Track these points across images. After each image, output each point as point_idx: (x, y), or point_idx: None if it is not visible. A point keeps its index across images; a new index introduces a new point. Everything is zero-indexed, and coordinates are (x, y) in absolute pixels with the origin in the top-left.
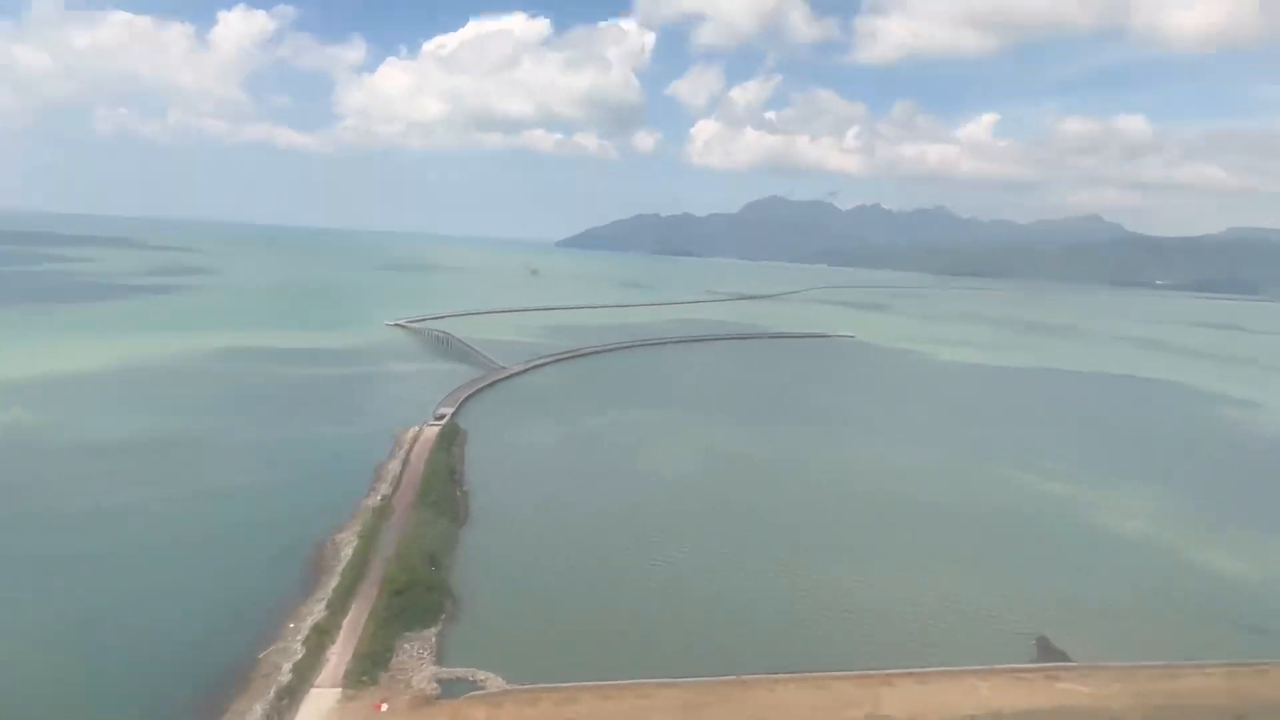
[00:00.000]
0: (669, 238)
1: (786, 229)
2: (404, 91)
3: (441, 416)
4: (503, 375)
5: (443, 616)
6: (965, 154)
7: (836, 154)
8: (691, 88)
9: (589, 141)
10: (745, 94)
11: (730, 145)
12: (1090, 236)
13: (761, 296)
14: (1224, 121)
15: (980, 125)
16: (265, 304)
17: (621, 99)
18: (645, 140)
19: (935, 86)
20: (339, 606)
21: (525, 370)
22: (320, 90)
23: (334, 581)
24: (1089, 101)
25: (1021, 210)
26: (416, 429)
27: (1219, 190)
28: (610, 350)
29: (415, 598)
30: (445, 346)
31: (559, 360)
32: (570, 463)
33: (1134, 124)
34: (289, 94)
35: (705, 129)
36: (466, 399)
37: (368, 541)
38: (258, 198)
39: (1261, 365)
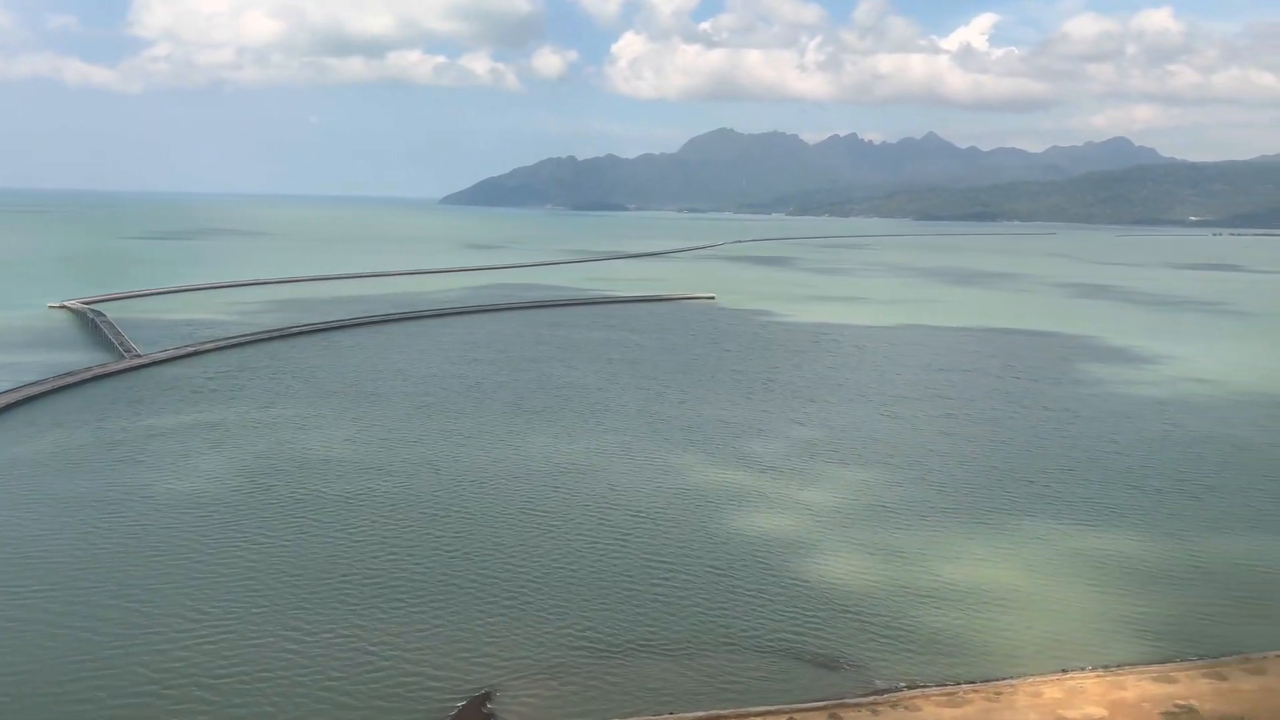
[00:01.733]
0: (589, 188)
1: (739, 170)
2: (226, 7)
3: None
4: (122, 367)
5: None
6: (957, 67)
7: (795, 74)
8: None
9: (479, 65)
10: None
11: (662, 65)
12: (1116, 165)
13: (646, 255)
14: (1268, 11)
15: (973, 29)
16: None
17: (509, 7)
18: (551, 61)
19: None
20: None
21: (168, 360)
22: (112, 5)
23: None
24: None
25: (1034, 136)
26: None
27: (1274, 101)
28: (331, 329)
29: None
30: (92, 330)
31: (243, 343)
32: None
33: (1158, 20)
34: (74, 12)
35: (630, 45)
36: (34, 398)
37: None
38: (47, 155)
39: (1216, 310)
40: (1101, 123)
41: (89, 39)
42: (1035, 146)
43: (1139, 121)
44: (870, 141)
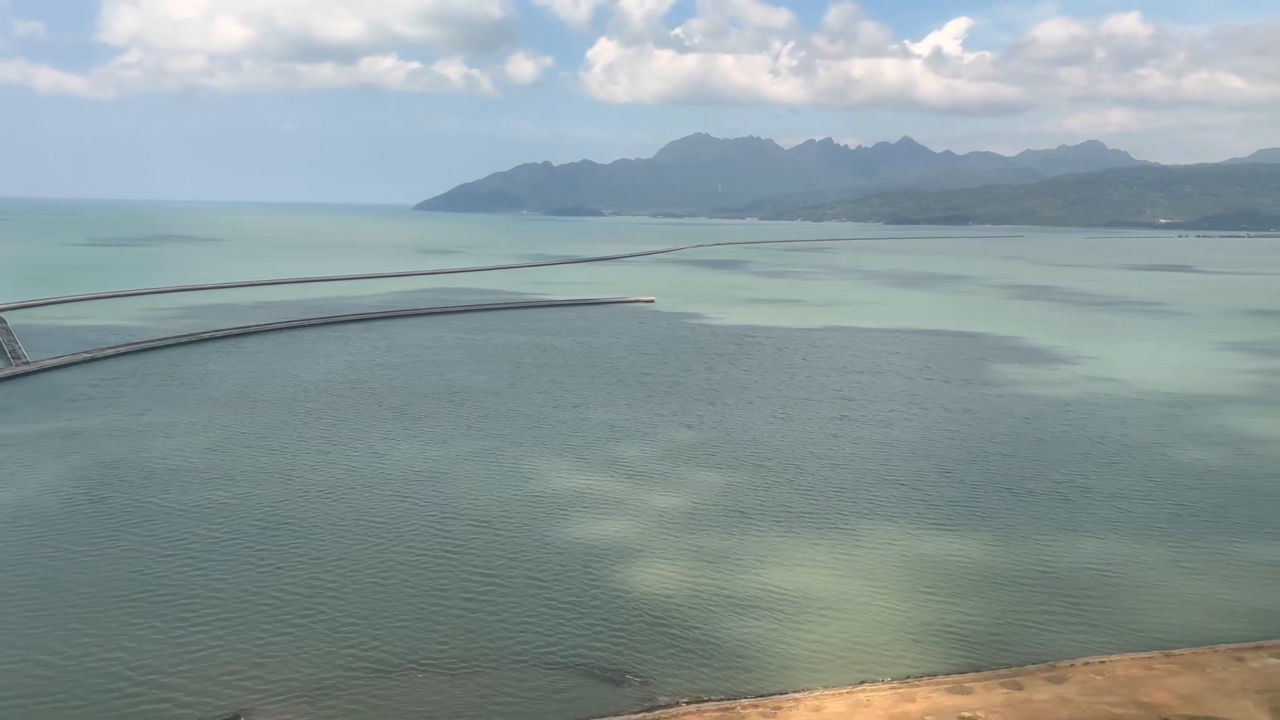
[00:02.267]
0: (564, 193)
1: (714, 174)
2: (195, 13)
3: None
4: (5, 374)
5: None
6: (930, 71)
7: (768, 79)
8: None
9: (453, 71)
10: (642, 2)
11: (637, 71)
12: (1089, 169)
13: (603, 259)
14: (1235, 13)
15: (946, 34)
16: None
17: (481, 12)
18: (525, 67)
19: None
20: None
21: (59, 367)
22: (83, 11)
23: None
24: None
25: (1010, 140)
26: None
27: (1243, 104)
28: (242, 334)
29: None
30: None
31: (146, 350)
32: None
33: (1127, 24)
34: (41, 18)
35: (604, 51)
36: None
37: None
38: (19, 163)
39: (1151, 311)
40: (1076, 125)
41: (58, 46)
42: (1010, 150)
43: (1113, 125)
44: (845, 146)
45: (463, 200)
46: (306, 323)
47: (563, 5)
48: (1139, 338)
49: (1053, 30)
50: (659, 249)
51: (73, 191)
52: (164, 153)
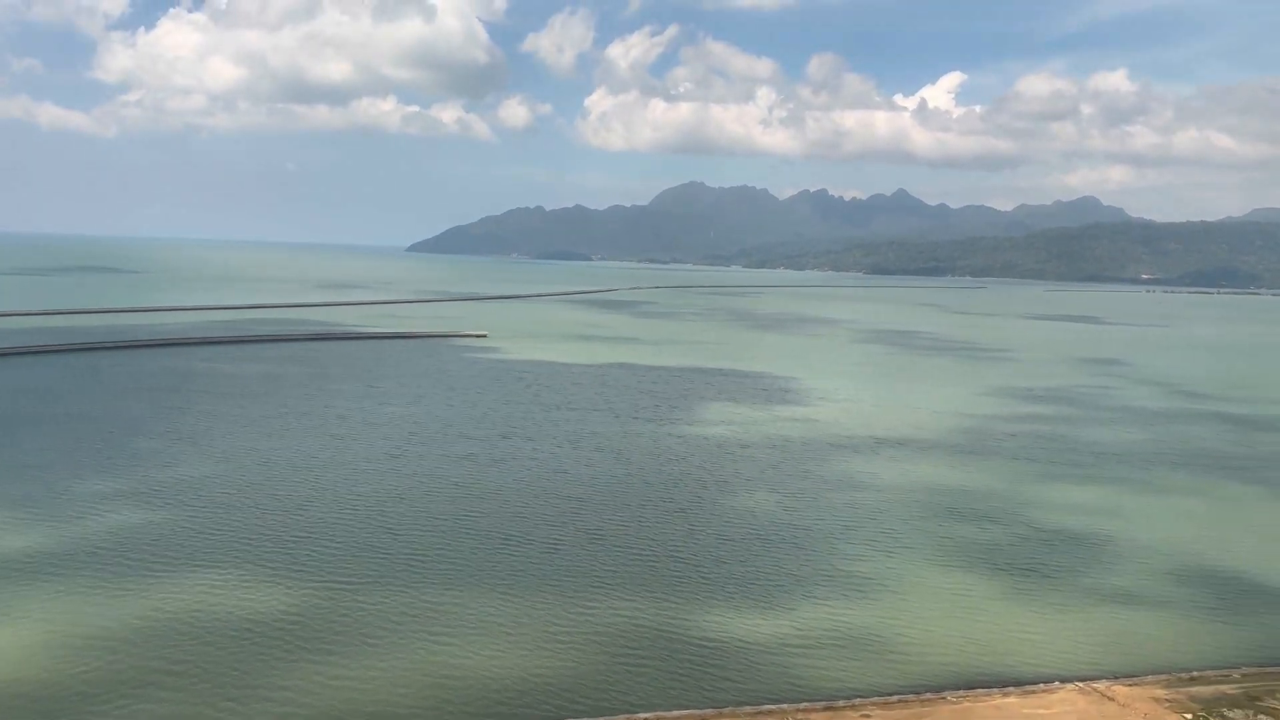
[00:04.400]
0: (556, 237)
1: (708, 222)
2: (189, 53)
3: None
4: None
5: None
6: (920, 125)
7: (759, 129)
8: (554, 43)
9: (448, 115)
10: (628, 51)
11: (632, 119)
12: (1081, 223)
13: (506, 297)
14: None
15: (939, 89)
16: None
17: (467, 57)
18: (518, 112)
19: (871, 37)
20: None
21: None
22: (77, 50)
23: None
24: (1081, 56)
25: (1007, 194)
26: None
27: (1235, 163)
28: None
29: None
30: None
31: None
32: None
33: (1113, 81)
34: (37, 55)
35: (600, 100)
36: None
37: None
38: (23, 198)
39: (971, 355)
40: (1075, 182)
41: (56, 83)
42: (1006, 205)
43: (1112, 182)
44: (840, 197)
45: (455, 242)
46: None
47: (548, 52)
48: (914, 380)
49: (1036, 85)
50: (586, 289)
51: (70, 227)
52: (167, 191)
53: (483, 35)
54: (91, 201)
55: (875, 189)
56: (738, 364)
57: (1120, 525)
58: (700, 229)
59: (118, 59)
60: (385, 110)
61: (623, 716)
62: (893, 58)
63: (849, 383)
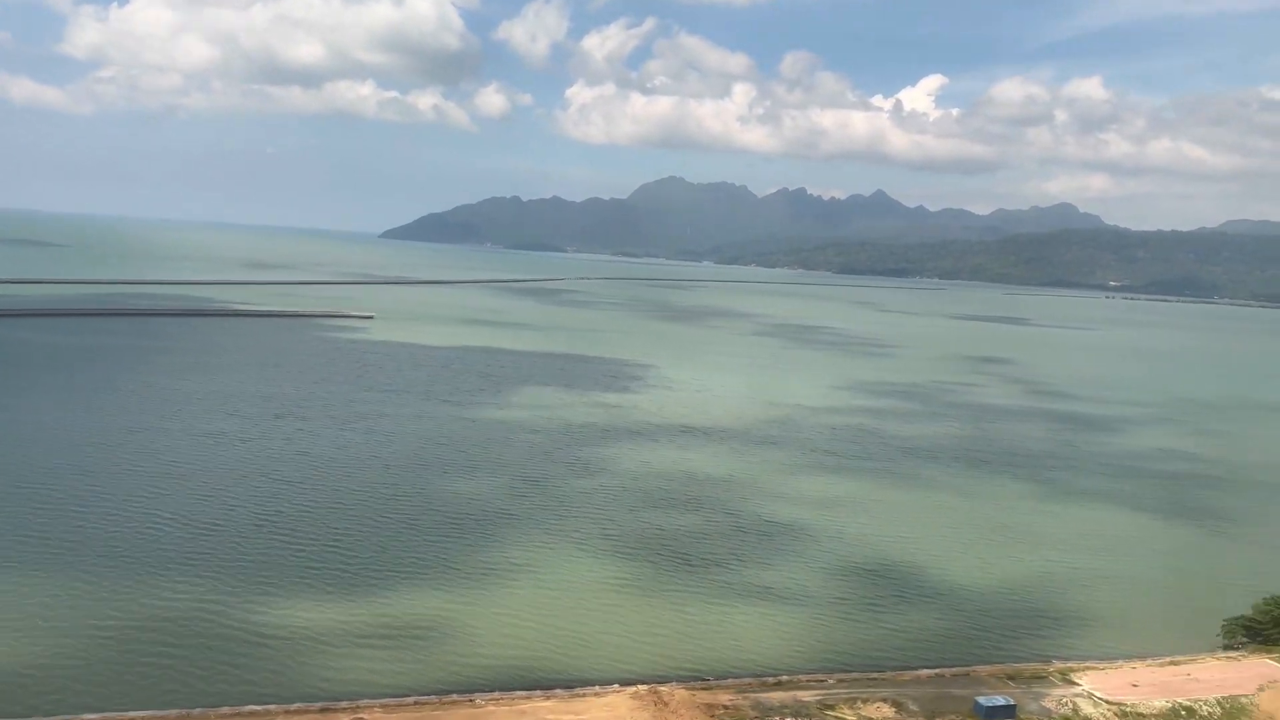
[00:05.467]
0: (532, 228)
1: (685, 218)
2: (161, 30)
3: None
4: None
5: None
6: (897, 126)
7: (737, 126)
8: (528, 31)
9: (425, 102)
10: (604, 43)
11: (612, 112)
12: (1056, 229)
13: (430, 282)
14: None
15: (919, 91)
16: None
17: (439, 43)
18: (495, 101)
19: (848, 36)
20: None
21: None
22: (46, 23)
23: None
24: (1072, 61)
25: (987, 199)
26: None
27: (1209, 174)
28: None
29: None
30: None
31: None
32: None
33: (1087, 88)
34: (8, 28)
35: (580, 93)
36: None
37: None
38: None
39: (860, 352)
40: (1055, 189)
41: (27, 57)
42: (985, 209)
43: (1092, 190)
44: (818, 197)
45: (430, 230)
46: None
47: (521, 40)
48: (778, 371)
49: (1010, 90)
50: (527, 278)
51: (52, 205)
52: (147, 171)
53: (456, 21)
54: (70, 180)
55: (855, 189)
56: (608, 352)
57: (828, 519)
58: (677, 224)
59: (87, 34)
60: (363, 95)
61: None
62: (872, 58)
63: (706, 373)
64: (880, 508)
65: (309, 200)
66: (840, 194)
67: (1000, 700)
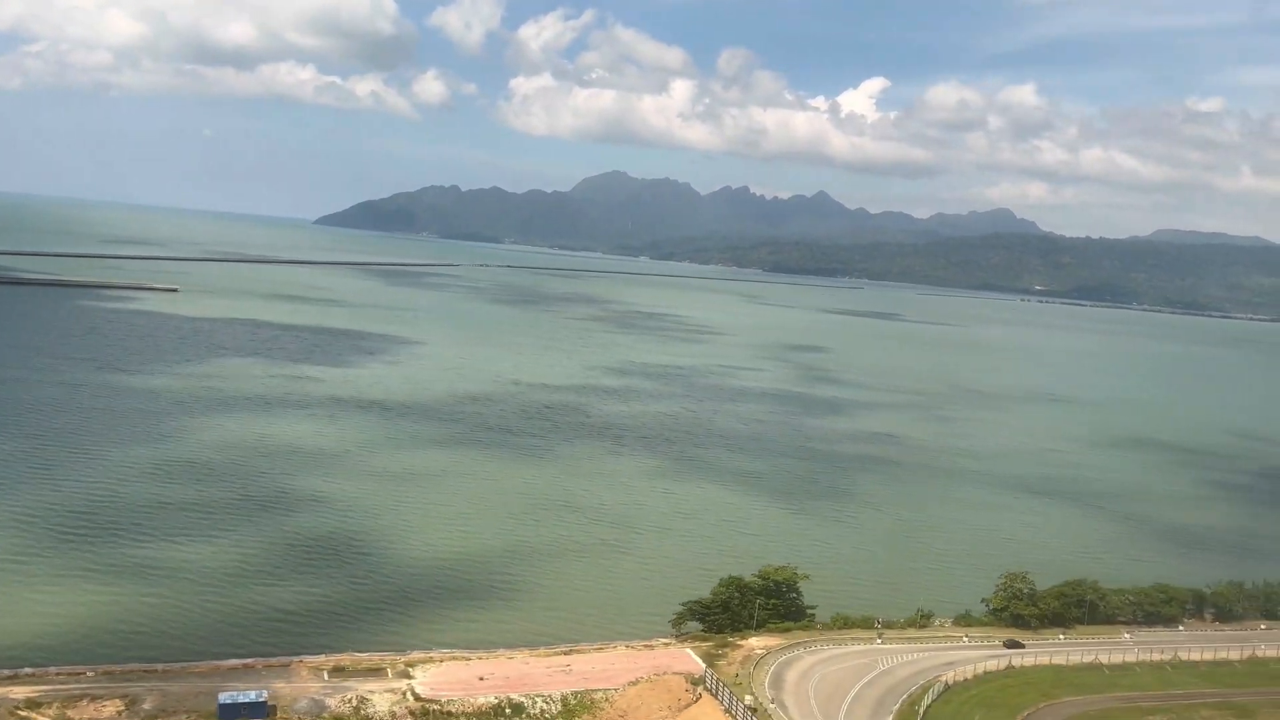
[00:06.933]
0: (470, 218)
1: (627, 213)
2: (88, 3)
3: None
4: None
5: None
6: (838, 128)
7: (678, 122)
8: (462, 19)
9: (364, 88)
10: (540, 33)
11: (554, 104)
12: (985, 233)
13: (302, 262)
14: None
15: (860, 94)
16: None
17: (371, 27)
18: (433, 88)
19: (785, 36)
20: None
21: None
22: None
23: None
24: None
25: (929, 203)
26: None
27: (1139, 185)
28: None
29: None
30: None
31: None
32: None
33: (1020, 95)
34: None
35: (523, 84)
36: None
37: None
38: None
39: (683, 338)
40: (996, 195)
41: None
42: (925, 213)
43: (1031, 197)
44: (761, 196)
45: (365, 218)
46: None
47: (455, 28)
48: (561, 351)
49: (944, 94)
50: (411, 262)
51: None
52: (79, 149)
53: (389, 5)
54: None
55: (799, 190)
56: (392, 330)
57: (412, 495)
58: (619, 219)
59: (11, 3)
60: (301, 79)
61: None
62: (809, 59)
63: (475, 350)
64: (417, 484)
65: (245, 185)
66: (784, 194)
67: (250, 696)
